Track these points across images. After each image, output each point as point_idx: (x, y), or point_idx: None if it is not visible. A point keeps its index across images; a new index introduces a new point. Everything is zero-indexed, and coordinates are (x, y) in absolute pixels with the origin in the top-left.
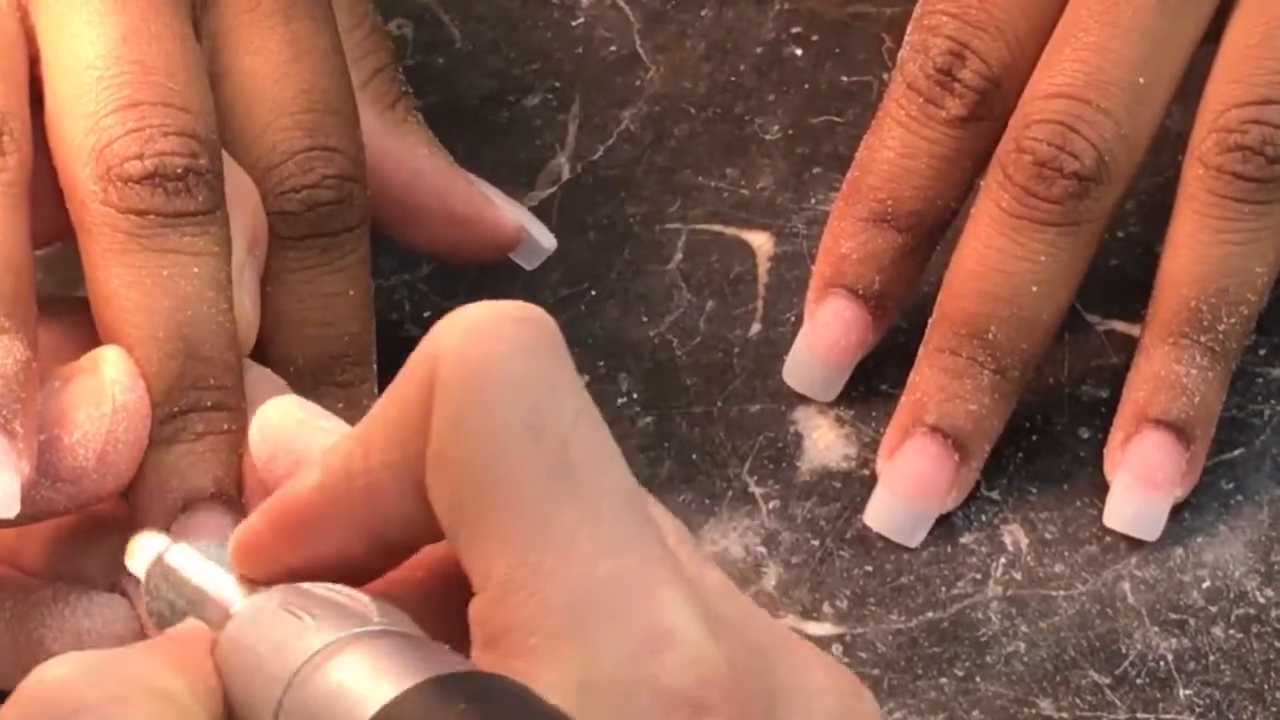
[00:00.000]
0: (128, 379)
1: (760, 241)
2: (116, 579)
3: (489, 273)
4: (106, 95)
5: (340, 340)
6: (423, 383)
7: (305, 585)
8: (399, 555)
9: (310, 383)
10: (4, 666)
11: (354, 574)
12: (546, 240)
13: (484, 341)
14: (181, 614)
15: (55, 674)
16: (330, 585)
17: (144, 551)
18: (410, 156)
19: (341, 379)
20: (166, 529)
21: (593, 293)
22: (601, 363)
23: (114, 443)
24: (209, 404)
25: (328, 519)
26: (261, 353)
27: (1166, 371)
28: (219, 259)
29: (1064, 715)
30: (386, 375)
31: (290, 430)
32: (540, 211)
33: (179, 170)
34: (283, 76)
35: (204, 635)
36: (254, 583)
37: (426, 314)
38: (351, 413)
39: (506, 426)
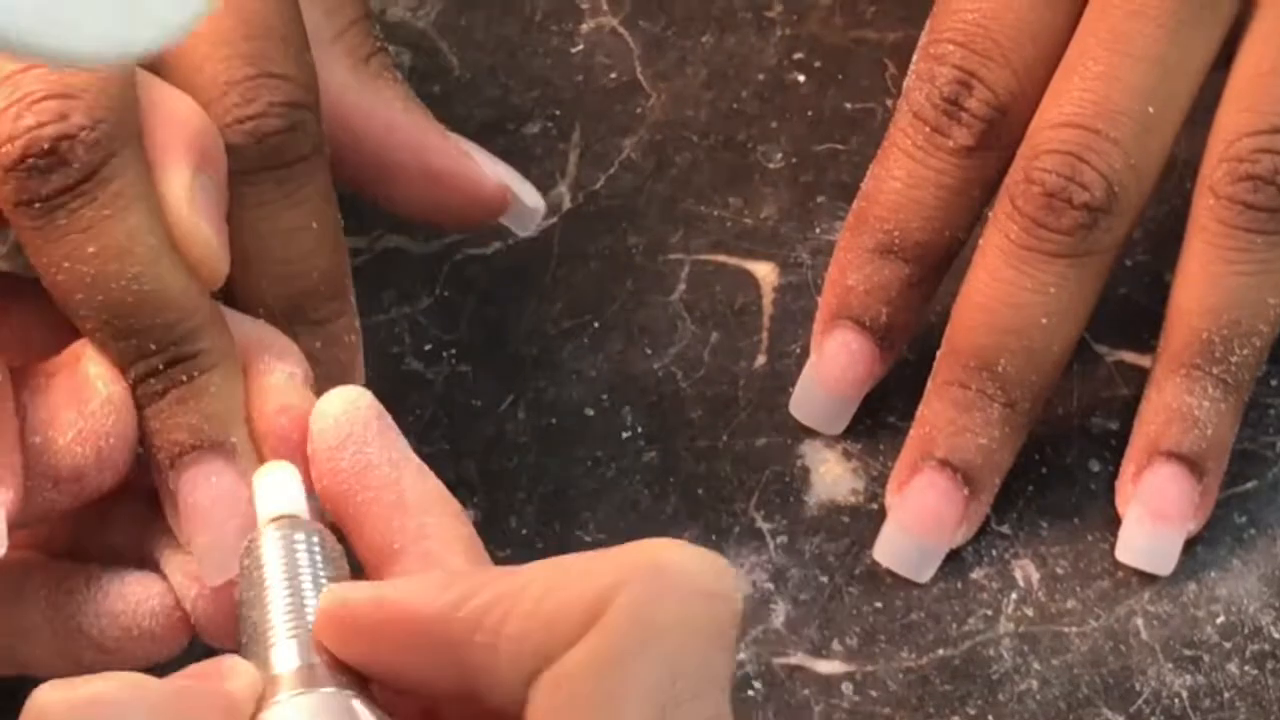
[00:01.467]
0: (109, 371)
1: (765, 272)
2: (146, 549)
3: (491, 304)
4: None
5: (309, 277)
6: (594, 600)
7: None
8: (467, 709)
9: (284, 323)
10: (47, 656)
11: (419, 697)
12: (532, 199)
13: (668, 601)
14: (253, 613)
15: (112, 690)
16: None
17: (266, 491)
18: (385, 110)
19: (316, 316)
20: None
21: (595, 325)
22: (605, 396)
23: (107, 437)
24: (161, 365)
25: (432, 648)
26: (228, 296)
27: (1178, 403)
28: (131, 211)
29: None
30: (390, 406)
31: (369, 434)
32: (541, 242)
33: (45, 146)
34: (220, 6)
35: (248, 701)
36: (324, 651)
37: (427, 346)
38: (331, 350)
39: (635, 699)
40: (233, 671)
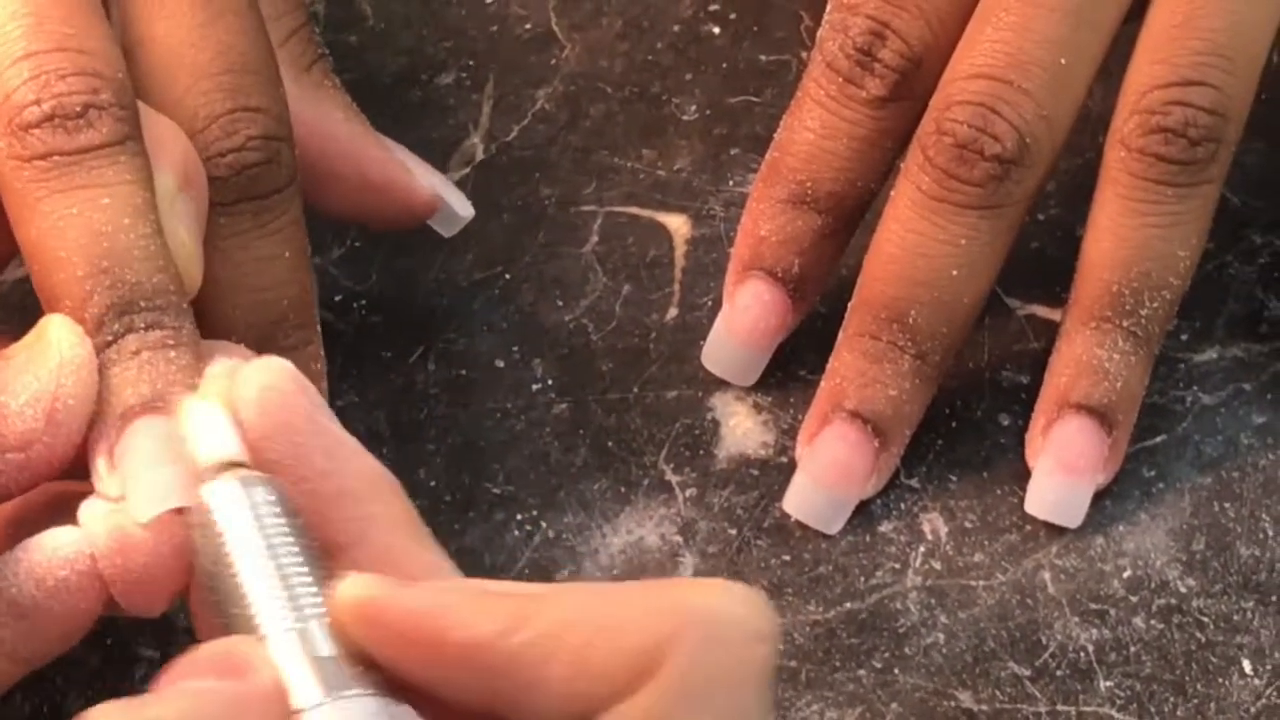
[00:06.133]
0: (75, 335)
1: (677, 224)
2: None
3: (402, 255)
4: (3, 52)
5: (279, 304)
6: (648, 650)
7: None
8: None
9: (253, 349)
10: None
11: (446, 707)
12: (463, 208)
13: (722, 655)
14: (227, 583)
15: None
16: None
17: (203, 434)
18: (325, 121)
19: (285, 344)
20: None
21: (507, 276)
22: (516, 348)
23: (62, 399)
24: (143, 326)
25: (466, 670)
26: (201, 321)
27: (1088, 356)
28: (133, 186)
29: (983, 708)
30: None
31: (299, 420)
32: None
33: (77, 108)
34: (198, 40)
35: (275, 699)
36: (349, 648)
37: (337, 297)
38: None
39: None
40: (247, 665)
